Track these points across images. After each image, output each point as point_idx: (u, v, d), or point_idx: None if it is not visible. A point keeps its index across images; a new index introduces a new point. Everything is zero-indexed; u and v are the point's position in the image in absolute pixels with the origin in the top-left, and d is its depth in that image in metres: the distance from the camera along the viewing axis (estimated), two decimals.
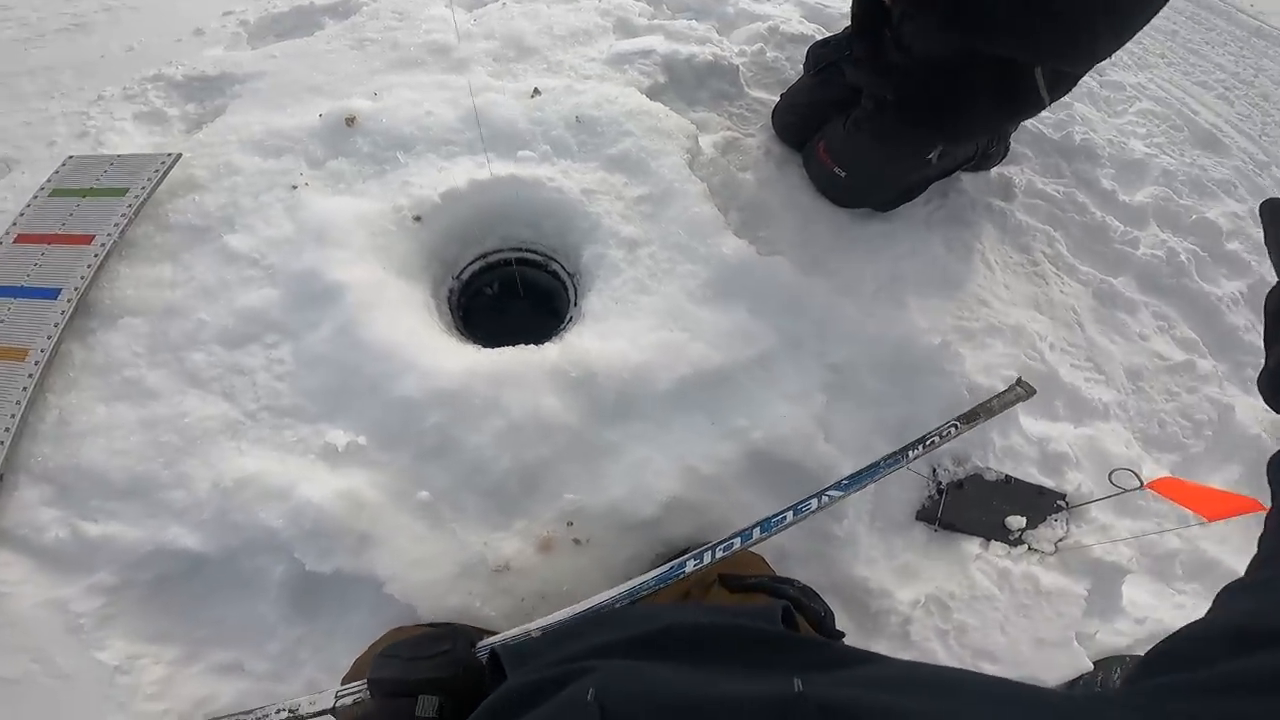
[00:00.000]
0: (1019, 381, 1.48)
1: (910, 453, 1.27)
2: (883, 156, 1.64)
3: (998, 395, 1.44)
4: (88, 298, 1.43)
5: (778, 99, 1.92)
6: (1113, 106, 2.37)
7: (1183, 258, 1.93)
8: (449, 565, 1.21)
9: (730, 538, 1.10)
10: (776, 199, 1.74)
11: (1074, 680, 1.40)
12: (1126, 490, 1.35)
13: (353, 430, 1.27)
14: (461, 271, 1.57)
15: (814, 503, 1.14)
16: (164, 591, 1.27)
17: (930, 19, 1.36)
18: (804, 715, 0.43)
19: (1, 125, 1.94)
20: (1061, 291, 1.83)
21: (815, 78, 1.80)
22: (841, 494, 1.17)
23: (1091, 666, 1.41)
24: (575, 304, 1.52)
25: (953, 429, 1.32)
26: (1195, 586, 1.56)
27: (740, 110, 1.95)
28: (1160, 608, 1.51)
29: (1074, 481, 1.53)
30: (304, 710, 0.96)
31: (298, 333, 1.35)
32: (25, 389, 1.31)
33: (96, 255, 1.47)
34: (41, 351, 1.35)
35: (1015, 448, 1.54)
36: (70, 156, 1.72)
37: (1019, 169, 2.01)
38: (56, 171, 1.68)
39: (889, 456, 1.25)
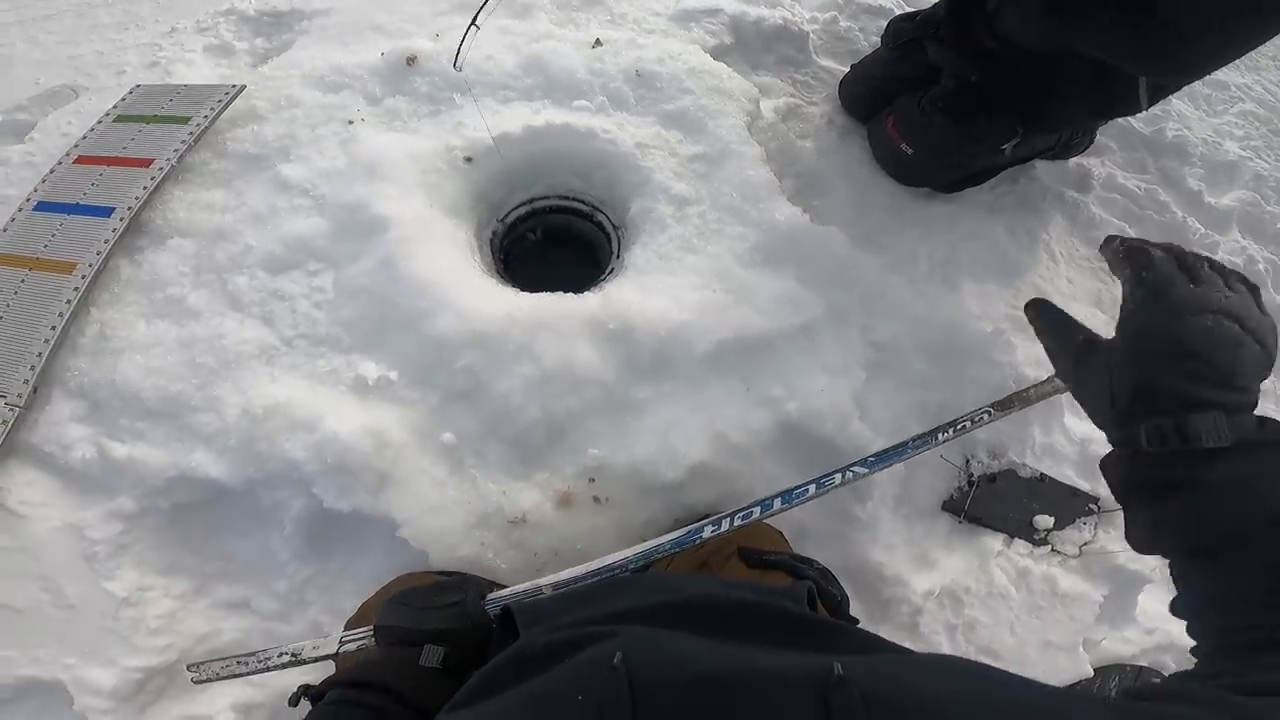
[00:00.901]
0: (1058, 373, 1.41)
1: (940, 435, 1.21)
2: (956, 138, 1.57)
3: (1035, 385, 1.37)
4: (140, 218, 1.46)
5: (847, 69, 1.85)
6: (1213, 105, 2.23)
7: (1261, 267, 1.82)
8: (465, 513, 1.20)
9: (749, 506, 1.06)
10: (834, 169, 1.68)
11: (1071, 685, 1.38)
12: None
13: (385, 364, 1.26)
14: (507, 215, 1.55)
15: (838, 477, 1.09)
16: (181, 521, 1.28)
17: (1033, 4, 1.29)
18: (847, 697, 0.43)
19: (75, 54, 1.99)
20: None
21: (894, 51, 1.72)
22: (867, 471, 1.12)
23: (1091, 672, 1.39)
24: (618, 256, 1.49)
25: (986, 415, 1.26)
26: None
27: (805, 78, 1.88)
28: (1171, 619, 1.44)
29: None
30: (307, 654, 0.96)
31: (340, 263, 1.35)
32: (69, 301, 1.34)
33: (153, 178, 1.50)
34: (89, 266, 1.38)
35: (1055, 446, 1.49)
36: (138, 85, 1.76)
37: (1100, 161, 1.90)
38: (123, 99, 1.72)
39: (918, 437, 1.20)
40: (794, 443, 1.31)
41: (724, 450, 1.27)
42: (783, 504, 1.08)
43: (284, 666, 0.98)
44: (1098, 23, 1.22)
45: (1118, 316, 0.69)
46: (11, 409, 1.27)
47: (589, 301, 1.30)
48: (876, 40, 1.96)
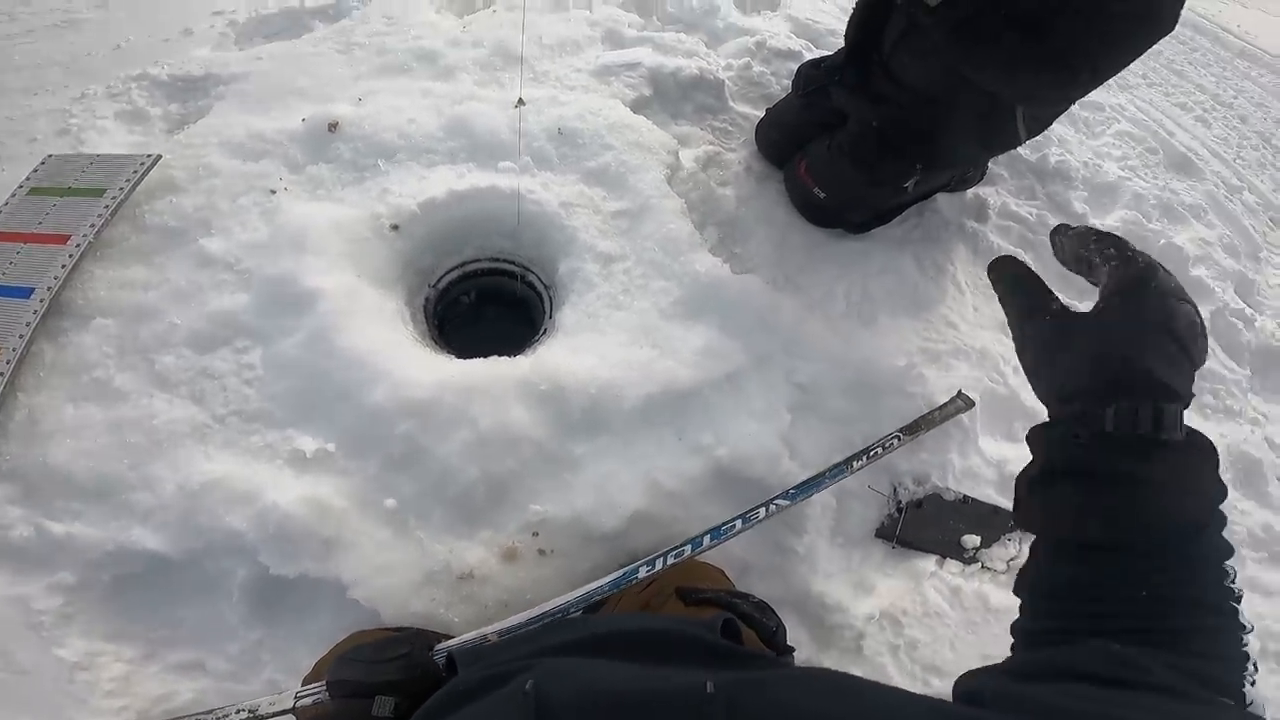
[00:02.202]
0: (959, 394, 1.52)
1: (854, 463, 1.30)
2: (862, 181, 1.66)
3: (939, 407, 1.48)
4: (61, 298, 1.44)
5: (762, 114, 1.94)
6: (1091, 128, 2.40)
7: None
8: (413, 572, 1.22)
9: (681, 545, 1.12)
10: (754, 215, 1.76)
11: None
12: None
13: (322, 437, 1.28)
14: (438, 280, 1.58)
15: (762, 511, 1.17)
16: (124, 591, 1.27)
17: (940, 30, 1.37)
18: (713, 712, 0.47)
19: None
20: None
21: (802, 98, 1.81)
22: (788, 503, 1.20)
23: None
24: (550, 316, 1.53)
25: (895, 440, 1.36)
26: None
27: (724, 124, 1.97)
28: None
29: None
30: (264, 710, 0.97)
31: (270, 338, 1.36)
32: None
33: (71, 255, 1.47)
34: (13, 350, 1.35)
35: (974, 469, 1.57)
36: (50, 155, 1.72)
37: (994, 190, 2.03)
38: (35, 170, 1.68)
39: (834, 467, 1.28)
40: (727, 485, 1.37)
41: (660, 497, 1.32)
42: (712, 540, 1.15)
43: None
44: (994, 47, 1.29)
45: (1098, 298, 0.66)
46: None
47: (520, 365, 1.34)
48: (789, 84, 2.04)
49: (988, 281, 1.80)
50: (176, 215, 1.54)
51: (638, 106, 1.84)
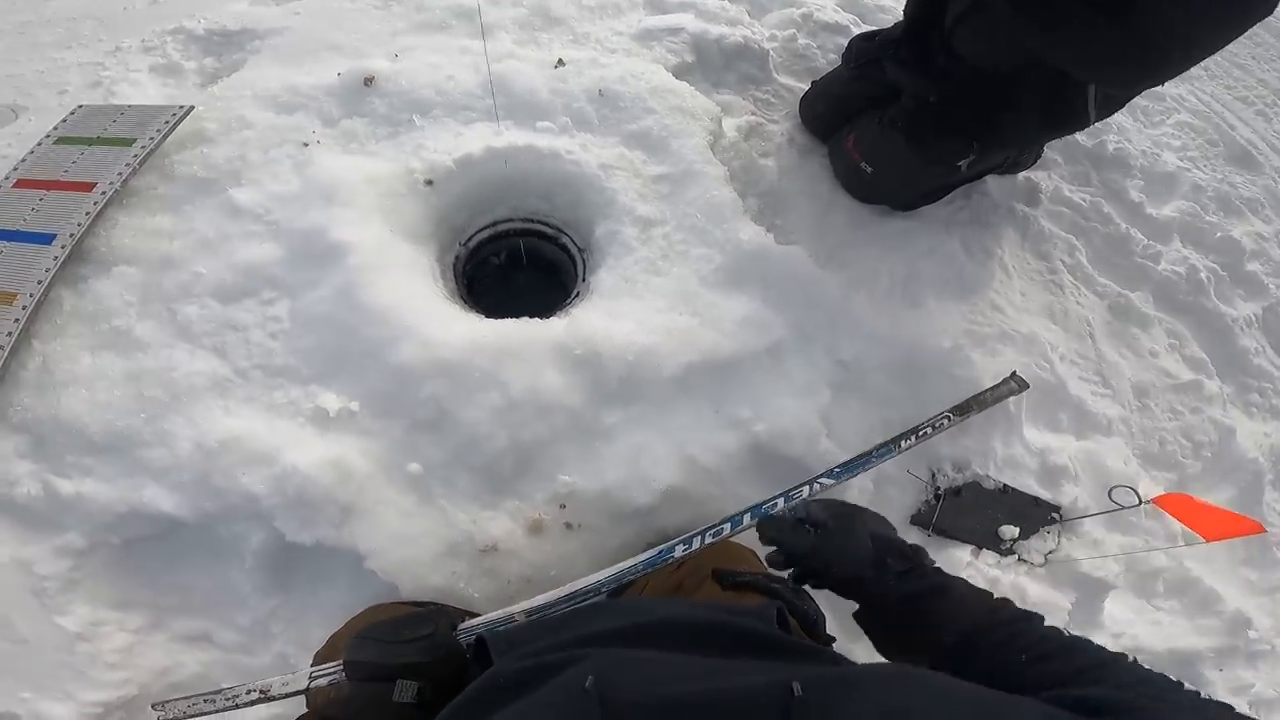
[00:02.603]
0: (1013, 375, 1.46)
1: (903, 442, 1.23)
2: (913, 158, 1.60)
3: (991, 388, 1.42)
4: (83, 245, 1.40)
5: (807, 87, 1.87)
6: (1150, 117, 2.31)
7: (1202, 275, 1.89)
8: (434, 543, 1.17)
9: (720, 524, 1.07)
10: (796, 188, 1.70)
11: None
12: (1125, 507, 1.35)
13: (346, 395, 1.23)
14: (469, 239, 1.53)
15: (805, 489, 1.11)
16: (133, 556, 1.23)
17: (1006, 9, 1.30)
18: (805, 717, 0.43)
19: (15, 73, 1.92)
20: (1077, 302, 1.78)
21: (853, 70, 1.74)
22: (833, 481, 1.14)
23: None
24: (584, 279, 1.48)
25: (946, 420, 1.29)
26: (1174, 604, 1.55)
27: (766, 95, 1.90)
28: (1138, 623, 1.50)
29: (1070, 495, 1.51)
30: (276, 691, 0.93)
31: (296, 291, 1.31)
32: (10, 334, 1.27)
33: (96, 203, 1.44)
34: (30, 296, 1.31)
35: (1016, 458, 1.51)
36: (80, 105, 1.69)
37: (1047, 174, 1.96)
38: (64, 120, 1.65)
39: (881, 445, 1.22)
40: (764, 463, 1.31)
41: (695, 473, 1.26)
42: (752, 519, 1.09)
43: (252, 703, 0.95)
44: (1064, 29, 1.23)
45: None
46: None
47: (554, 327, 1.29)
48: (835, 58, 1.98)
49: (1036, 267, 1.75)
50: (206, 166, 1.50)
51: (680, 72, 1.78)
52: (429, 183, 1.44)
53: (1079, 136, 2.04)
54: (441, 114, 1.53)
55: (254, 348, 1.28)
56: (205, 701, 0.95)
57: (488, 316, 1.34)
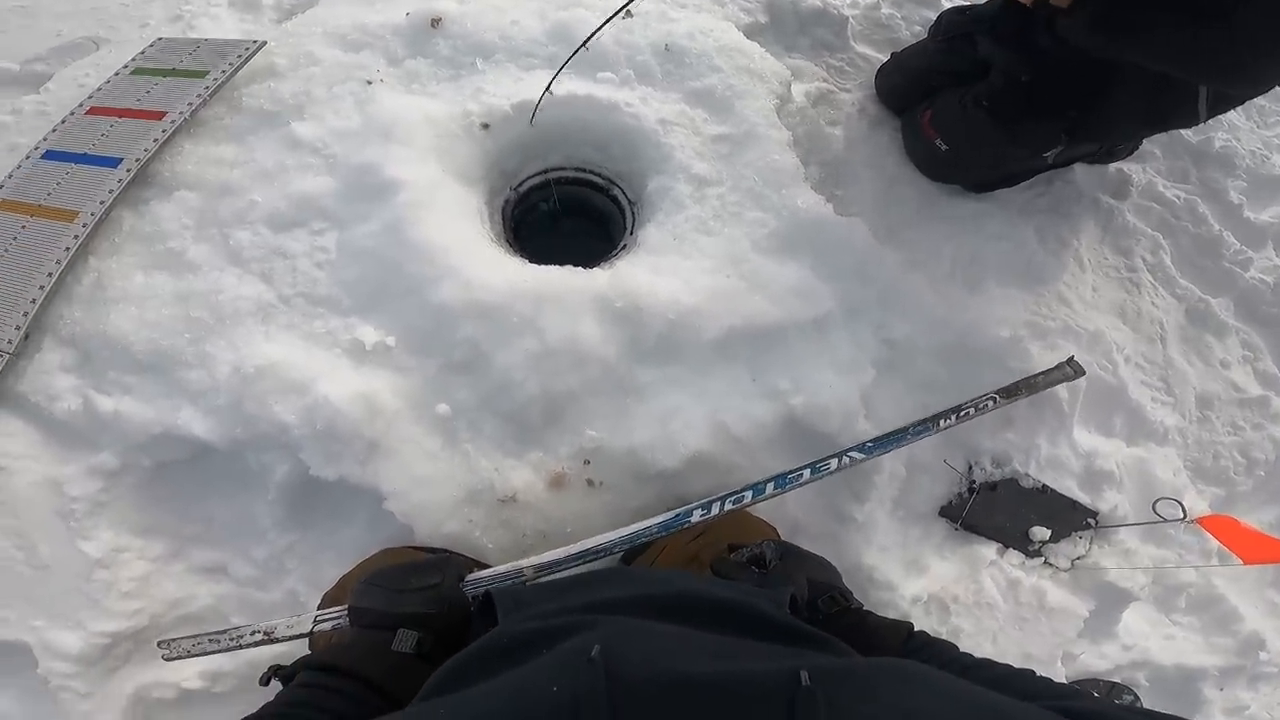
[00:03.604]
0: (1070, 360, 1.39)
1: (942, 421, 1.18)
2: (998, 139, 1.51)
3: (1044, 372, 1.33)
4: (148, 169, 1.43)
5: (885, 58, 1.79)
6: (1266, 118, 2.13)
7: None
8: (455, 489, 1.17)
9: (741, 490, 1.04)
10: (862, 159, 1.63)
11: None
12: (1168, 520, 1.29)
13: (384, 329, 1.23)
14: (520, 184, 1.51)
15: (834, 462, 1.07)
16: (162, 481, 1.26)
17: (1078, 21, 1.22)
18: (811, 708, 0.42)
19: (100, 6, 1.96)
20: (1153, 303, 1.68)
21: (941, 43, 1.65)
22: (864, 456, 1.09)
23: None
24: (631, 233, 1.45)
25: (991, 401, 1.23)
26: (1192, 620, 1.51)
27: (840, 63, 1.83)
28: (1152, 636, 1.47)
29: (1111, 501, 1.44)
30: (280, 633, 0.95)
31: (346, 223, 1.32)
32: (68, 249, 1.31)
33: (164, 130, 1.47)
34: (91, 215, 1.35)
35: (1061, 458, 1.45)
36: (159, 38, 1.73)
37: (1141, 167, 1.83)
38: (143, 51, 1.69)
39: (919, 422, 1.16)
40: (796, 438, 1.27)
41: (724, 441, 1.23)
42: (775, 488, 1.05)
43: (257, 644, 0.97)
44: (1153, 37, 1.16)
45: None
46: (1, 355, 1.24)
47: (598, 278, 1.26)
48: (919, 30, 1.90)
49: (1113, 262, 1.66)
50: (273, 99, 1.51)
51: (751, 33, 1.72)
52: (485, 126, 1.43)
53: (1184, 131, 1.91)
54: (504, 59, 1.51)
55: (299, 276, 1.29)
56: (210, 641, 0.97)
57: (532, 262, 1.32)
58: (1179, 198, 1.80)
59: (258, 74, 1.58)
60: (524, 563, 0.98)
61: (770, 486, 1.04)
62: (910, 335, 1.37)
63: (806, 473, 1.05)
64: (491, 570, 0.97)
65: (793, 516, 1.26)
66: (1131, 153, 1.79)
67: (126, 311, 1.28)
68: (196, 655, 0.97)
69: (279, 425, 1.17)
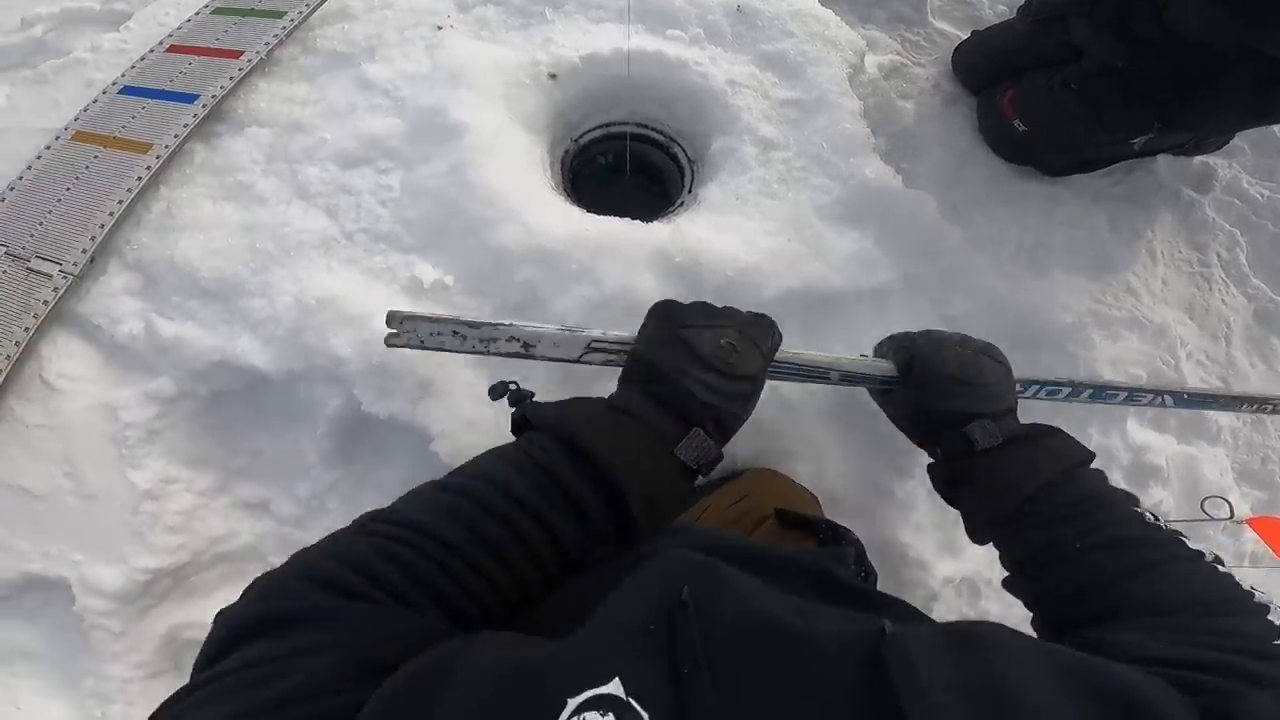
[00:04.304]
0: None
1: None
2: (1084, 124, 1.46)
3: None
4: (222, 106, 1.46)
5: (964, 35, 1.74)
6: None
7: None
8: (500, 434, 1.15)
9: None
10: (932, 135, 1.59)
11: None
12: (1215, 519, 1.24)
13: (442, 268, 1.24)
14: (581, 136, 1.51)
15: (1149, 396, 1.12)
16: (216, 409, 1.27)
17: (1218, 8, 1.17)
18: (900, 657, 0.41)
19: None
20: (1222, 300, 1.62)
21: (1031, 25, 1.60)
22: (1174, 405, 1.14)
23: None
24: (690, 190, 1.44)
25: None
26: None
27: (917, 38, 1.78)
28: None
29: (1156, 497, 1.41)
30: (540, 351, 0.79)
31: (411, 163, 1.32)
32: (140, 179, 1.34)
33: (240, 69, 1.49)
34: (165, 147, 1.38)
35: (1110, 449, 1.41)
36: None
37: (1227, 162, 1.75)
38: None
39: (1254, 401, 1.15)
40: (843, 411, 1.25)
41: (772, 403, 1.21)
42: (1092, 398, 1.10)
43: (506, 355, 0.79)
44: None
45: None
46: (65, 276, 1.27)
47: (658, 231, 1.25)
48: (1002, 9, 1.84)
49: (1186, 256, 1.61)
50: (346, 41, 1.53)
51: (826, 0, 1.68)
52: (552, 76, 1.42)
53: (1278, 129, 1.82)
54: (574, 9, 1.50)
55: (363, 212, 1.30)
56: (452, 334, 0.77)
57: (589, 212, 1.31)
58: (1263, 195, 1.72)
59: (332, 16, 1.59)
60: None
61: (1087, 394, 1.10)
62: (969, 313, 1.33)
63: (1122, 394, 1.10)
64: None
65: (831, 488, 1.24)
66: (1222, 146, 1.72)
67: (194, 239, 1.30)
68: (428, 349, 0.79)
69: (334, 359, 1.18)
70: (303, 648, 0.43)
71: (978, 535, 0.85)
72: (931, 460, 0.91)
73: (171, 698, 0.41)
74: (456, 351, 0.77)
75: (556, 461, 0.61)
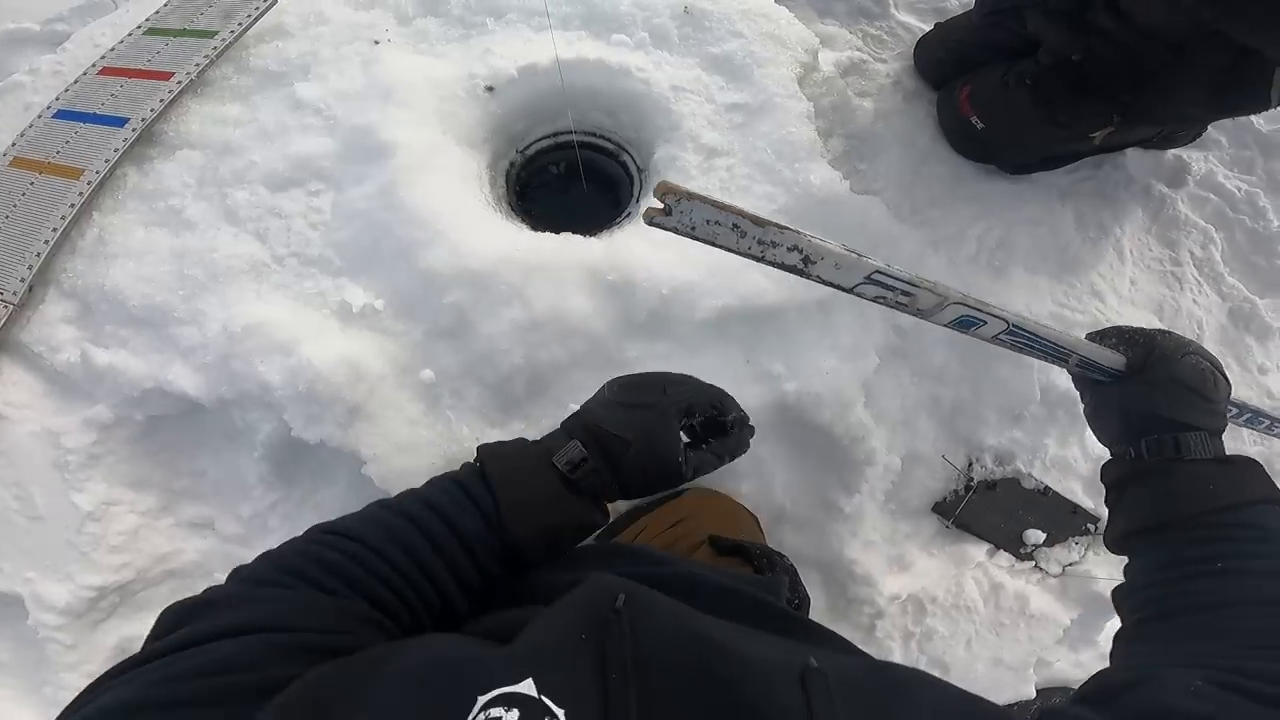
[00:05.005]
0: None
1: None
2: (1037, 119, 1.41)
3: None
4: (153, 129, 1.43)
5: (929, 29, 1.68)
6: None
7: None
8: (435, 456, 1.14)
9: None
10: (892, 133, 1.54)
11: (1010, 705, 1.35)
12: None
13: (372, 292, 1.21)
14: (527, 147, 1.47)
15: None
16: (154, 434, 1.27)
17: None
18: (822, 688, 0.44)
19: None
20: (1194, 300, 1.56)
21: (987, 17, 1.54)
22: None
23: (1035, 693, 1.36)
24: (636, 200, 1.40)
25: None
26: None
27: (879, 32, 1.73)
28: None
29: None
30: (819, 272, 0.68)
31: (342, 184, 1.29)
32: (73, 205, 1.32)
33: (171, 91, 1.46)
34: (96, 173, 1.36)
35: (1068, 460, 1.38)
36: None
37: (1203, 155, 1.69)
38: (157, 11, 1.68)
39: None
40: (788, 425, 1.22)
41: None
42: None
43: (779, 266, 0.67)
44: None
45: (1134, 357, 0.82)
46: (6, 306, 1.26)
47: (593, 248, 1.21)
48: (970, 1, 1.78)
49: (1158, 255, 1.55)
50: (279, 59, 1.49)
51: None
52: (489, 89, 1.38)
53: (1256, 119, 1.75)
54: (516, 18, 1.46)
55: (293, 236, 1.26)
56: (732, 229, 0.64)
57: (538, 226, 1.28)
58: (1240, 189, 1.66)
59: (268, 33, 1.55)
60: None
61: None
62: (923, 321, 1.28)
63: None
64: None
65: (779, 504, 1.21)
66: (1193, 139, 1.66)
67: (125, 266, 1.28)
68: (698, 239, 0.65)
69: (263, 385, 1.16)
70: (221, 628, 0.48)
71: (1133, 536, 0.81)
72: (1111, 457, 0.87)
73: (104, 674, 0.46)
74: (728, 249, 0.66)
75: (466, 475, 0.72)
